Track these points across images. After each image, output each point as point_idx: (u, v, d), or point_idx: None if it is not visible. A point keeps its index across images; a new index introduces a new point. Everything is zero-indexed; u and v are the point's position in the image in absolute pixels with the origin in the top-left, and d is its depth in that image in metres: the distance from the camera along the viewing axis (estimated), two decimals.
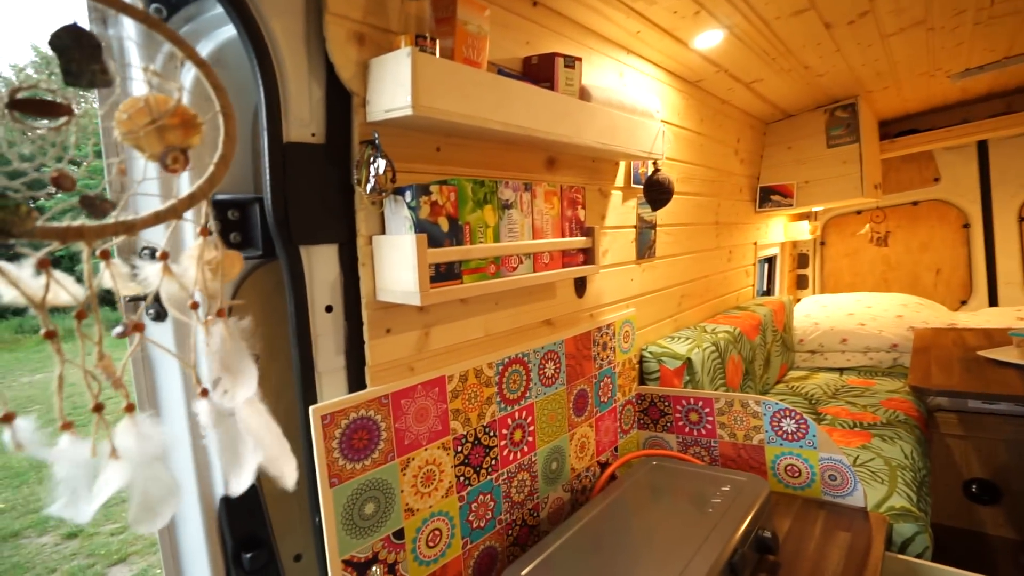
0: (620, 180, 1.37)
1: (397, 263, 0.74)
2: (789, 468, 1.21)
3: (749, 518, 0.95)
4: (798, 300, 2.87)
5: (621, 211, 1.39)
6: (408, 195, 0.74)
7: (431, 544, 0.90)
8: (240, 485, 0.44)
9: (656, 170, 1.31)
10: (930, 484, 1.49)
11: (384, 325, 0.83)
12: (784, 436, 1.21)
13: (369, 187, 0.74)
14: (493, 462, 1.01)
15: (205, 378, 0.45)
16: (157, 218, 0.41)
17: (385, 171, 0.74)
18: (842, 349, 2.45)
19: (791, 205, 2.41)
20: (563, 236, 0.99)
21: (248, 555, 0.78)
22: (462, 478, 0.95)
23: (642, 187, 1.39)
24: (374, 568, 0.80)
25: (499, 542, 1.03)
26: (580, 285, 1.22)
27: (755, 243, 2.50)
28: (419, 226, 0.74)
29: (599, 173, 1.30)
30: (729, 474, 1.12)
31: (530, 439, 1.09)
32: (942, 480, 2.15)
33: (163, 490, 0.39)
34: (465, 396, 0.94)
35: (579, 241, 1.02)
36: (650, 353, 1.43)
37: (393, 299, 0.77)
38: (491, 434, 1.00)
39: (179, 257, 0.46)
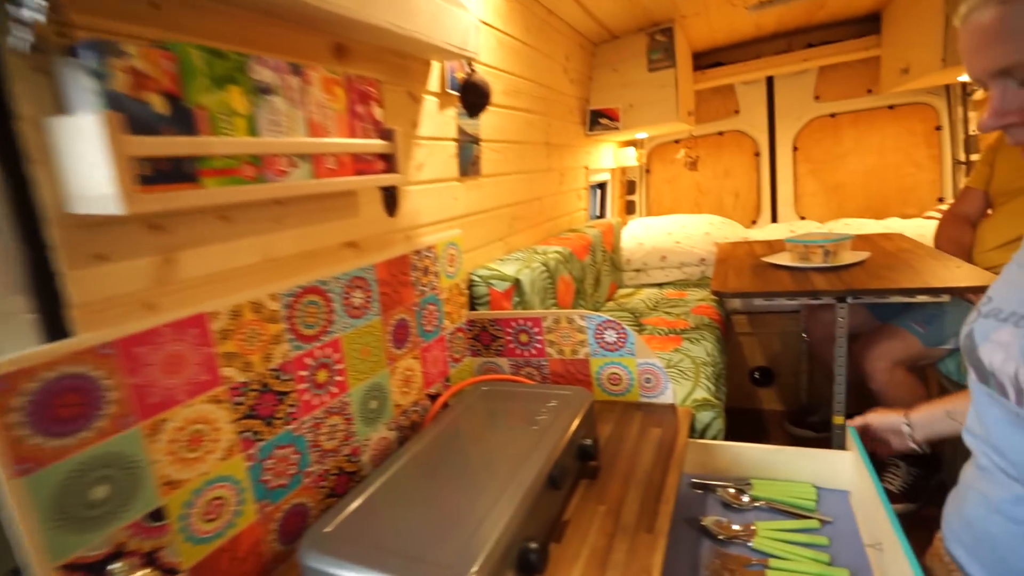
0: (435, 84, 1.22)
1: (85, 155, 0.52)
2: (611, 376, 1.25)
3: (571, 429, 0.95)
4: (626, 223, 3.06)
5: (438, 120, 1.24)
6: (90, 56, 0.51)
7: (211, 517, 0.74)
8: None
9: (472, 71, 1.18)
10: (725, 376, 1.69)
11: (92, 249, 0.60)
12: (607, 347, 1.24)
13: (19, 39, 0.50)
14: (291, 410, 0.86)
15: None
16: None
17: (44, 16, 0.49)
18: (662, 266, 2.68)
19: (618, 128, 2.48)
20: (353, 137, 0.82)
21: None
22: (248, 433, 0.78)
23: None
24: (117, 565, 0.62)
25: (310, 497, 0.90)
26: (390, 202, 1.07)
27: (586, 167, 2.55)
28: (113, 101, 0.52)
29: (408, 72, 1.13)
30: (556, 390, 1.12)
31: (339, 379, 0.95)
32: (734, 371, 2.53)
33: None
34: (241, 336, 0.76)
35: (375, 144, 0.86)
36: (478, 276, 1.36)
37: (90, 208, 0.55)
38: (284, 378, 0.84)
39: None
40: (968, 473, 0.68)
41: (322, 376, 0.91)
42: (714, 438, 1.22)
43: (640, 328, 1.90)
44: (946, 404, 0.83)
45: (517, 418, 1.02)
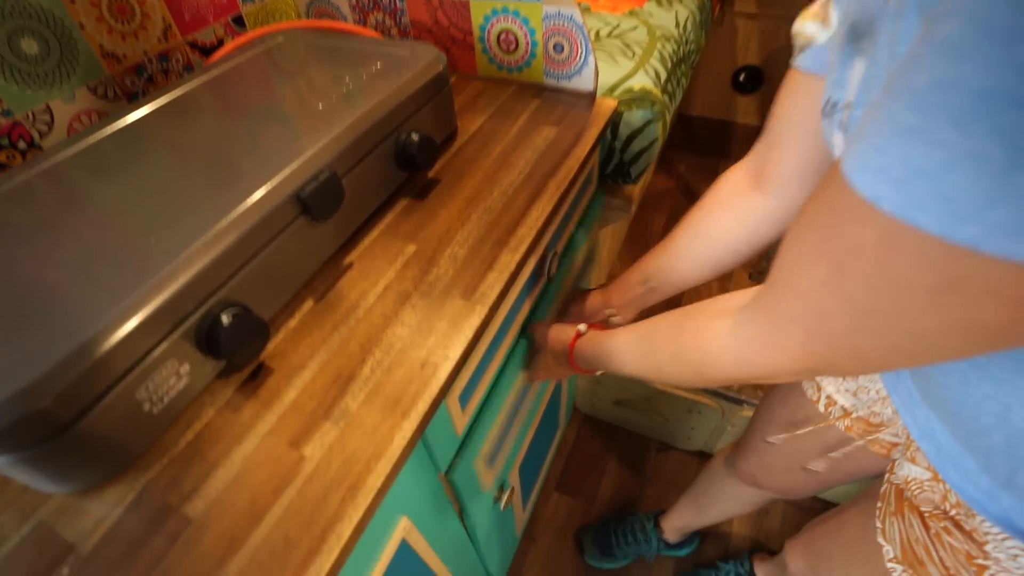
0: None
1: None
2: (503, 37, 0.76)
3: (371, 115, 0.53)
4: None
5: None
6: None
7: None
8: None
9: None
10: (695, 69, 1.19)
11: None
12: None
13: None
14: None
15: None
16: None
17: None
18: None
19: None
20: None
21: None
22: None
23: None
24: None
25: None
26: None
27: None
28: None
29: None
30: (393, 47, 0.65)
31: None
32: (715, 69, 1.99)
33: None
34: None
35: None
36: None
37: None
38: None
39: None
40: None
41: None
42: (644, 151, 0.82)
43: None
44: (642, 268, 0.62)
45: (306, 91, 0.58)
